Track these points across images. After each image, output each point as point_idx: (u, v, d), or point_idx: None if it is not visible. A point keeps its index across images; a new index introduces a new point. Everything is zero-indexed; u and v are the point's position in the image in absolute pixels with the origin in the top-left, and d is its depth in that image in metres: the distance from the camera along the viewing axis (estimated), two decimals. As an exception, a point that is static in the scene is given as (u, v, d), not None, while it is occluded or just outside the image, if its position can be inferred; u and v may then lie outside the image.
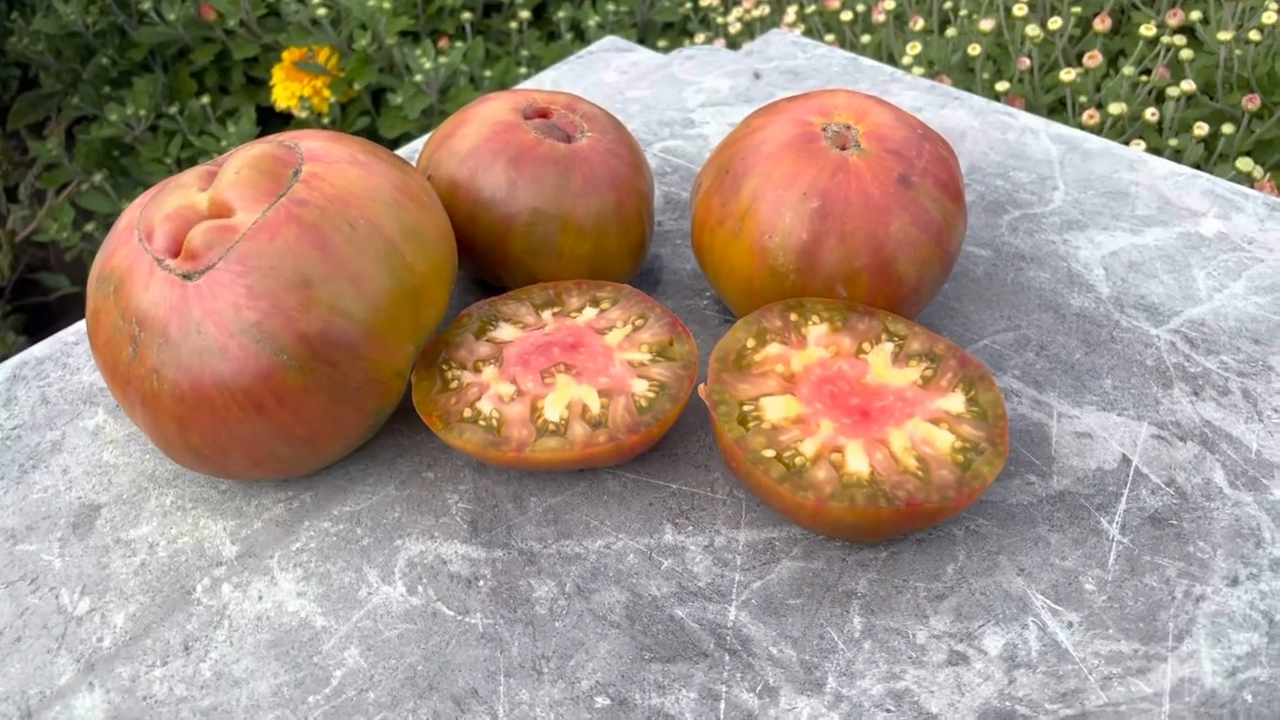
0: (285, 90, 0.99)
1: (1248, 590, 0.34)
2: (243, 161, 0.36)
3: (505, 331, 0.40)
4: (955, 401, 0.36)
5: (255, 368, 0.34)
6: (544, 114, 0.44)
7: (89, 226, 1.09)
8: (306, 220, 0.35)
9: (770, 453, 0.35)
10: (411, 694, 0.32)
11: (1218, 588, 0.34)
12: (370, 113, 1.01)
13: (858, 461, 0.34)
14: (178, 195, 0.36)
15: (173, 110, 1.01)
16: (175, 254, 0.35)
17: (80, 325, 0.47)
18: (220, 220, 0.35)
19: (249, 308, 0.34)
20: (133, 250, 0.35)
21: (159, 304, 0.34)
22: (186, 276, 0.34)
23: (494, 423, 0.37)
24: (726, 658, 0.33)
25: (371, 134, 1.02)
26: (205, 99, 1.02)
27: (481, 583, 0.35)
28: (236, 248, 0.34)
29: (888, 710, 0.32)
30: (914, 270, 0.39)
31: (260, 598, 0.35)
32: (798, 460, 0.34)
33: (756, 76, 0.62)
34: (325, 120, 0.99)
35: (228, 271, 0.34)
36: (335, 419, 0.36)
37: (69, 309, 1.17)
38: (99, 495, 0.39)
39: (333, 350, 0.34)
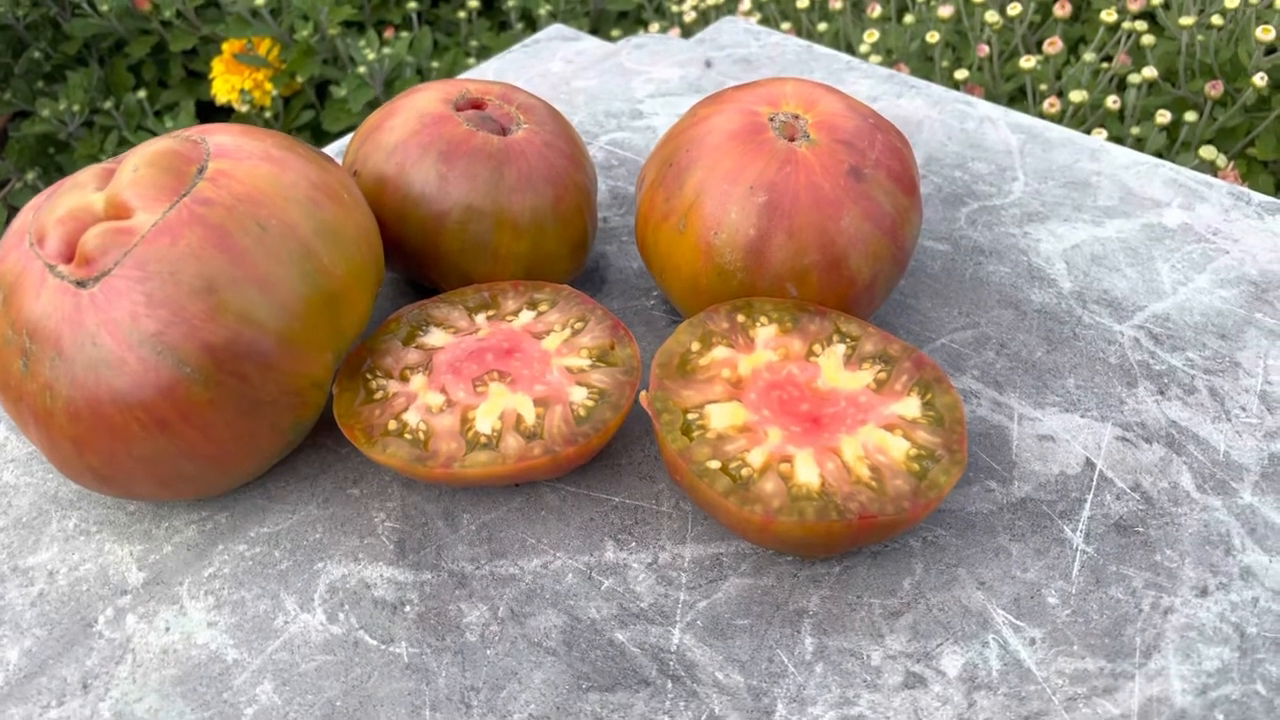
0: (225, 83, 0.95)
1: (1218, 601, 0.33)
2: (142, 158, 0.33)
3: (436, 337, 0.38)
4: (910, 406, 0.34)
5: (156, 382, 0.31)
6: (477, 105, 0.42)
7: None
8: (211, 221, 0.32)
9: (715, 464, 0.32)
10: (329, 733, 0.30)
11: (1186, 599, 0.33)
12: (314, 106, 0.98)
13: (807, 472, 0.32)
14: (72, 195, 0.33)
15: (108, 105, 0.97)
16: (69, 259, 0.32)
17: (-16, 334, 0.43)
18: (117, 222, 0.32)
19: (148, 317, 0.31)
20: (23, 256, 0.33)
21: (51, 314, 0.31)
22: (80, 284, 0.31)
23: (421, 436, 0.34)
24: (670, 685, 0.31)
25: (315, 128, 0.99)
26: (142, 93, 0.98)
27: (408, 608, 0.33)
28: (134, 251, 0.31)
29: (841, 740, 0.30)
30: (867, 267, 0.37)
31: (167, 629, 0.33)
32: (744, 472, 0.32)
33: (708, 65, 0.60)
34: (268, 114, 0.96)
35: (125, 278, 0.31)
36: (247, 435, 0.33)
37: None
38: (-4, 519, 0.36)
39: (241, 362, 0.32)
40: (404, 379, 0.36)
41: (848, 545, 0.32)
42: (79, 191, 0.33)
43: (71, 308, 0.31)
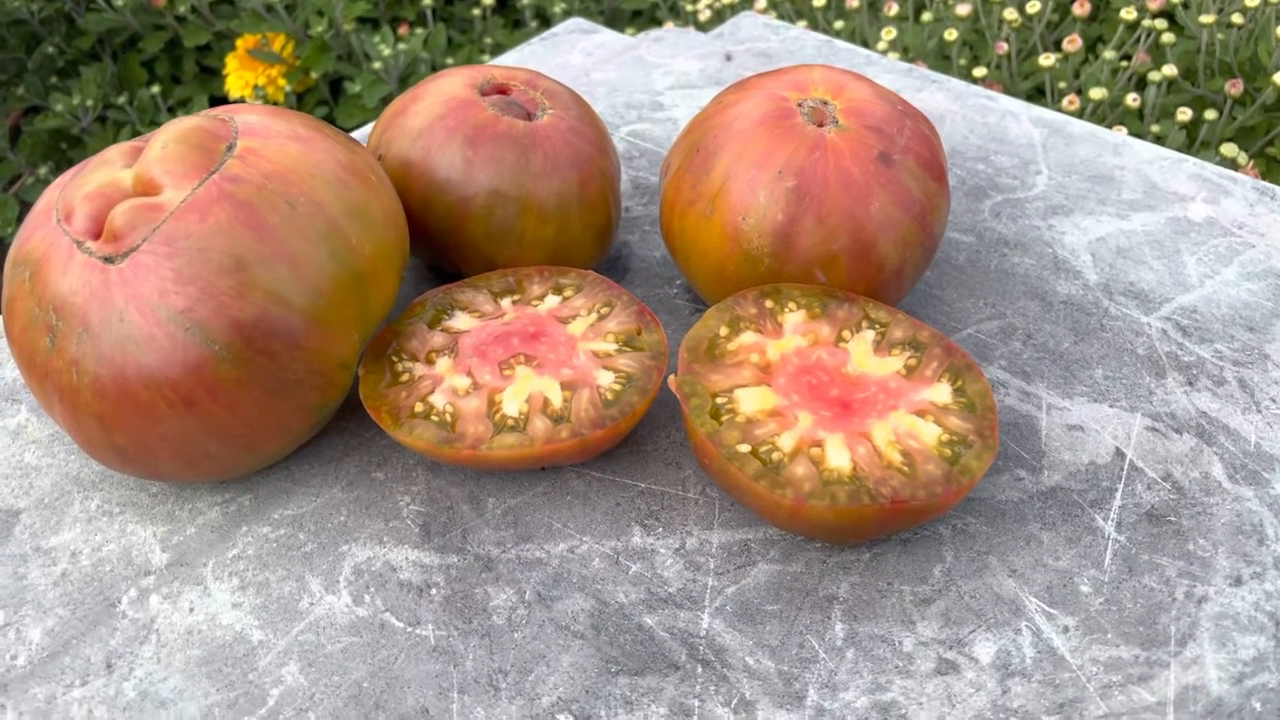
0: (239, 79, 0.95)
1: (1252, 590, 0.32)
2: (171, 135, 0.33)
3: (461, 321, 0.38)
4: (941, 392, 0.34)
5: (184, 359, 0.31)
6: (502, 90, 0.42)
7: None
8: (240, 198, 0.32)
9: (745, 448, 0.32)
10: (356, 713, 0.30)
11: (1220, 588, 0.32)
12: (328, 102, 0.98)
13: (839, 456, 0.32)
14: (100, 172, 0.33)
15: (122, 100, 0.97)
16: (97, 236, 0.32)
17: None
18: (146, 198, 0.32)
19: (177, 293, 0.31)
20: (50, 232, 0.32)
21: (78, 290, 0.31)
22: (108, 260, 0.31)
23: (448, 418, 0.34)
24: (699, 669, 0.31)
25: (329, 124, 0.99)
26: (156, 88, 0.98)
27: (434, 591, 0.33)
28: (163, 228, 0.31)
29: (874, 725, 0.29)
30: (896, 253, 0.37)
31: (191, 610, 0.32)
32: (775, 456, 0.32)
33: (728, 58, 0.60)
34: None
35: (153, 254, 0.31)
36: (273, 415, 0.33)
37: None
38: (18, 500, 0.36)
39: (269, 340, 0.32)
40: (430, 362, 0.36)
41: (879, 531, 0.32)
42: (107, 168, 0.33)
43: (99, 284, 0.31)
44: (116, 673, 0.31)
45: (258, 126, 0.34)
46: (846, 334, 0.36)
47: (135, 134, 1.00)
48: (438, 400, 0.35)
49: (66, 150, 1.05)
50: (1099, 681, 0.30)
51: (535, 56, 0.61)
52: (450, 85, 0.41)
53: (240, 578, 0.33)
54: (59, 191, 0.34)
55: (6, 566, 0.34)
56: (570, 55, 0.61)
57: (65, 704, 0.30)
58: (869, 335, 0.36)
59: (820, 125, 0.37)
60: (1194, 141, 0.67)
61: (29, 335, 0.32)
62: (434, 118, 0.40)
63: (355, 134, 0.56)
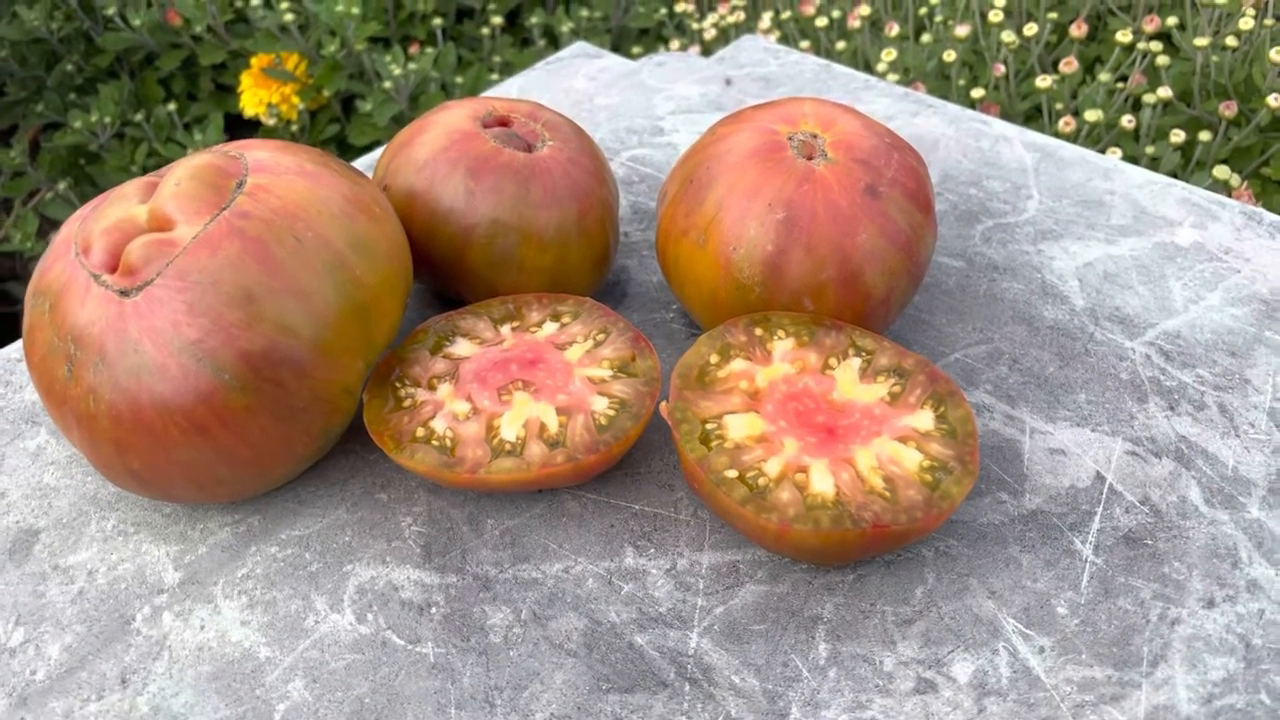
0: (254, 97, 0.97)
1: (1224, 613, 0.33)
2: (184, 172, 0.34)
3: (462, 347, 0.39)
4: (924, 419, 0.35)
5: (196, 388, 0.32)
6: (504, 122, 0.43)
7: (53, 235, 1.07)
8: (250, 233, 0.33)
9: (733, 473, 0.33)
10: (358, 728, 0.31)
11: (1194, 610, 0.33)
12: (340, 120, 1.00)
13: (822, 482, 0.33)
14: (117, 207, 0.35)
15: (139, 117, 0.99)
16: (113, 269, 0.33)
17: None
18: (160, 234, 0.33)
19: (189, 325, 0.32)
20: (69, 265, 0.34)
21: (95, 321, 0.33)
22: (124, 293, 0.33)
23: (448, 443, 0.35)
24: (687, 687, 0.32)
25: (341, 141, 1.00)
26: (172, 106, 1.00)
27: (434, 610, 0.34)
28: (176, 262, 0.32)
29: (853, 742, 0.30)
30: (882, 282, 0.38)
31: (202, 627, 0.34)
32: (761, 481, 0.33)
33: (728, 83, 0.61)
34: (294, 128, 0.98)
35: (166, 287, 0.32)
36: (281, 440, 0.34)
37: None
38: (37, 519, 0.37)
39: (277, 369, 0.33)
40: (431, 387, 0.37)
41: (861, 554, 0.33)
42: (123, 203, 0.35)
43: (115, 315, 0.32)
44: (131, 688, 0.32)
45: (267, 163, 0.36)
46: (833, 361, 0.37)
47: (152, 150, 1.02)
48: (438, 425, 0.36)
49: (85, 166, 1.07)
50: (1072, 701, 0.31)
51: (540, 81, 0.63)
52: (454, 118, 0.42)
53: (249, 596, 0.35)
54: (78, 225, 0.35)
55: (26, 584, 0.35)
56: (574, 80, 0.63)
57: (82, 717, 0.32)
58: (855, 363, 0.37)
59: (810, 158, 0.39)
60: (1189, 163, 0.68)
61: (48, 363, 0.34)
62: (438, 149, 0.41)
63: (364, 158, 0.57)
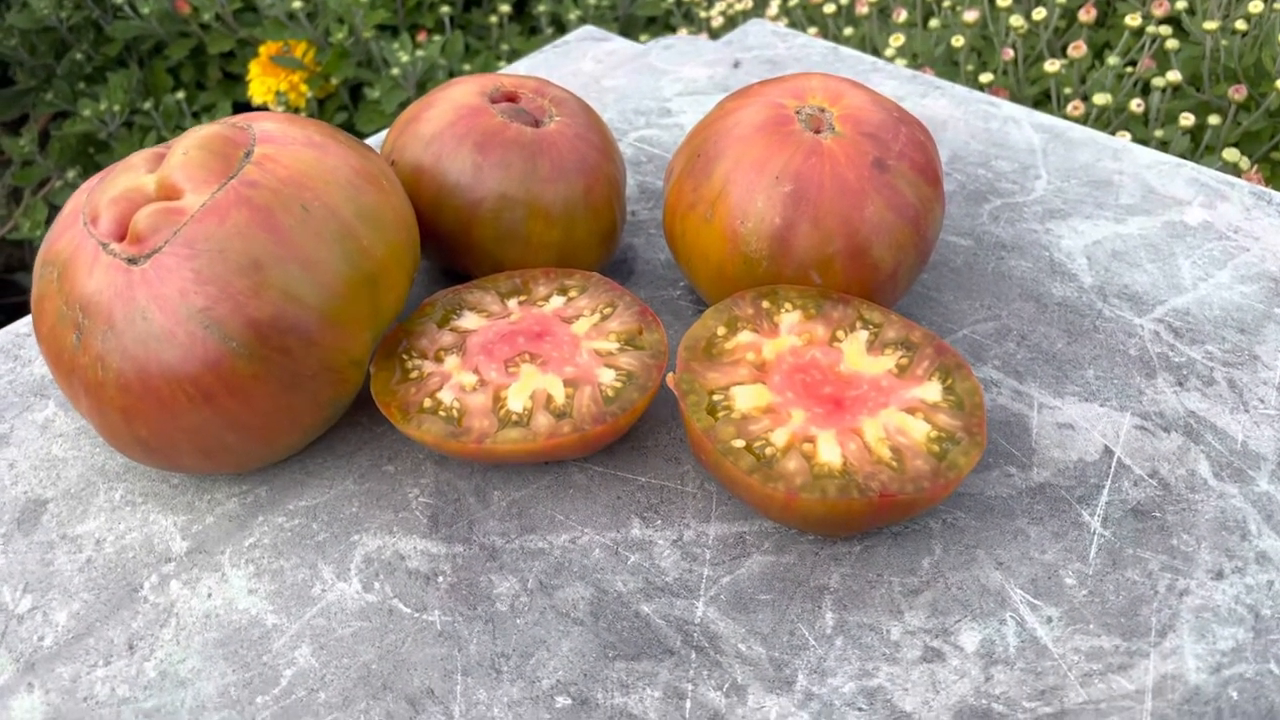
0: (262, 85, 0.97)
1: (1233, 584, 0.33)
2: (192, 142, 0.35)
3: (469, 320, 0.39)
4: (931, 390, 0.35)
5: (203, 355, 0.32)
6: (511, 98, 0.43)
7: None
8: (257, 202, 0.33)
9: (740, 443, 0.33)
10: (364, 694, 0.31)
11: (1202, 581, 0.33)
12: (348, 108, 1.00)
13: (830, 452, 0.33)
14: (125, 177, 0.35)
15: (148, 106, 0.99)
16: (121, 238, 0.33)
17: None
18: (168, 203, 0.33)
19: (196, 293, 0.32)
20: (77, 234, 0.34)
21: (103, 289, 0.33)
22: (132, 261, 0.33)
23: (455, 413, 0.35)
24: (693, 655, 0.32)
25: (349, 129, 1.01)
26: (181, 94, 1.00)
27: (440, 579, 0.34)
28: (184, 230, 0.33)
29: (859, 709, 0.30)
30: (890, 256, 0.38)
31: (209, 595, 0.34)
32: (768, 451, 0.33)
33: (736, 65, 0.61)
34: (302, 116, 0.98)
35: (174, 255, 0.32)
36: (288, 409, 0.34)
37: (44, 308, 1.15)
38: (46, 490, 0.37)
39: (284, 337, 0.33)
40: (438, 359, 0.37)
41: (868, 524, 0.33)
42: (131, 173, 0.35)
43: (123, 284, 0.32)
44: (138, 654, 0.32)
45: (275, 134, 0.36)
46: (841, 334, 0.37)
47: (161, 139, 1.02)
48: (445, 396, 0.36)
49: (94, 154, 1.07)
50: (1080, 670, 0.31)
51: (548, 64, 0.63)
52: (461, 93, 0.42)
53: (256, 565, 0.35)
54: (86, 195, 0.35)
55: (35, 553, 0.35)
56: (581, 62, 0.63)
57: (89, 683, 0.32)
58: (862, 335, 0.37)
59: (817, 132, 0.39)
60: (1198, 147, 0.68)
61: (57, 332, 0.34)
62: (445, 124, 0.41)
63: (371, 139, 0.57)
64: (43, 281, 0.35)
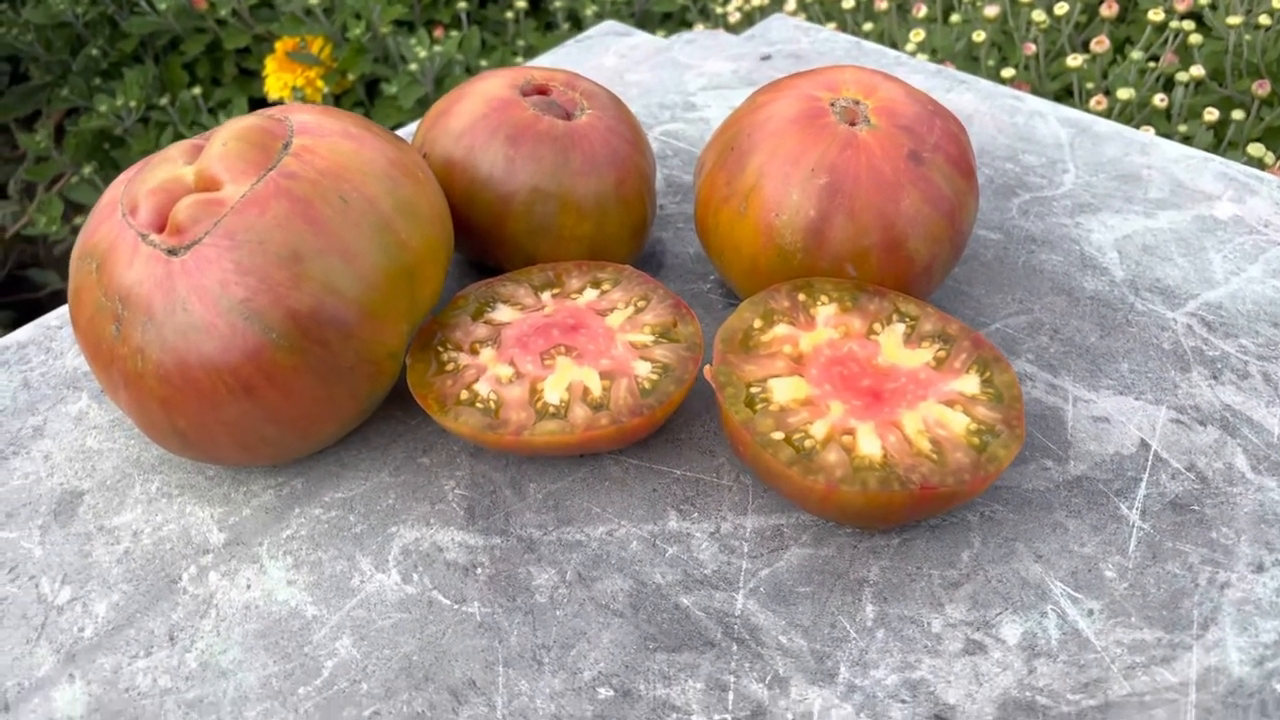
0: (278, 81, 0.97)
1: (1274, 577, 0.33)
2: (230, 134, 0.35)
3: (503, 313, 0.39)
4: (969, 383, 0.35)
5: (243, 346, 0.32)
6: (543, 91, 0.43)
7: (78, 220, 1.07)
8: (297, 194, 0.33)
9: (779, 435, 0.33)
10: (406, 685, 0.31)
11: (1243, 574, 0.33)
12: (364, 103, 1.00)
13: (869, 444, 0.33)
14: (163, 169, 0.35)
15: (164, 101, 0.99)
16: (160, 229, 0.33)
17: (63, 310, 0.45)
18: (207, 194, 0.33)
19: (237, 284, 0.32)
20: (116, 225, 0.34)
21: (143, 281, 0.33)
22: (172, 252, 0.33)
23: (492, 405, 0.35)
24: (734, 647, 0.32)
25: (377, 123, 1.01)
26: (197, 90, 1.00)
27: (479, 570, 0.34)
28: (224, 222, 0.33)
29: (903, 701, 0.30)
30: (925, 249, 0.38)
31: (248, 586, 0.34)
32: (807, 443, 0.33)
33: (766, 59, 0.61)
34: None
35: (214, 246, 0.32)
36: (326, 401, 0.34)
37: (59, 305, 1.15)
38: (81, 482, 0.37)
39: (324, 329, 0.33)
40: (474, 352, 0.37)
41: (907, 516, 0.33)
42: (169, 165, 0.35)
43: (163, 274, 0.32)
44: (179, 645, 0.32)
45: (312, 125, 0.36)
46: (877, 327, 0.37)
47: (177, 135, 1.02)
48: (482, 388, 0.36)
49: (109, 150, 1.07)
50: (1123, 662, 0.31)
51: (570, 58, 0.63)
52: (492, 86, 0.42)
53: (294, 556, 0.35)
54: (123, 187, 0.35)
55: (72, 544, 0.35)
56: (604, 57, 0.63)
57: (131, 673, 0.32)
58: (899, 328, 0.37)
59: (852, 124, 0.38)
60: (1221, 142, 0.68)
61: (95, 323, 0.34)
62: (477, 117, 0.41)
63: (400, 130, 0.57)
64: (81, 273, 0.35)
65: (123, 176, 0.37)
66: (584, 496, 0.36)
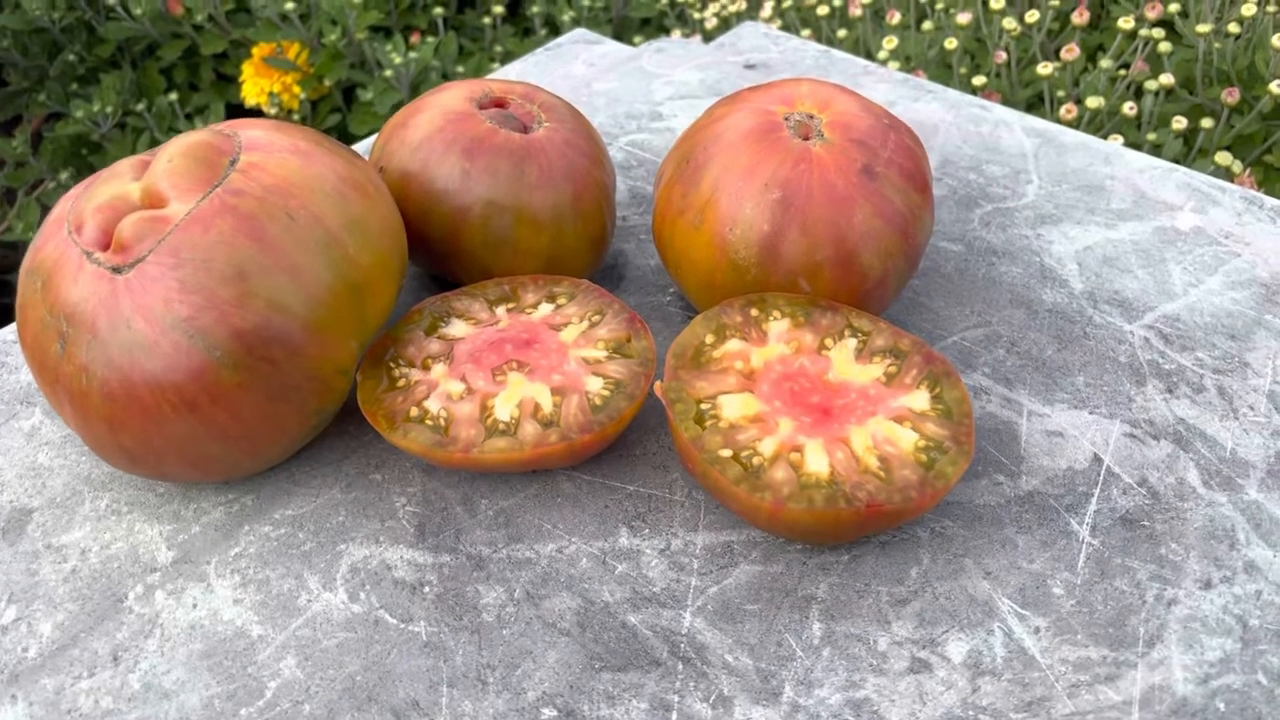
0: (255, 86, 0.97)
1: (1221, 594, 0.33)
2: (177, 150, 0.34)
3: (457, 328, 0.39)
4: (919, 399, 0.35)
5: (188, 365, 0.32)
6: (500, 104, 0.43)
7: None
8: (242, 211, 0.33)
9: (727, 452, 0.33)
10: (349, 706, 0.31)
11: (1190, 591, 0.33)
12: (341, 109, 1.00)
13: (817, 461, 0.33)
14: (110, 185, 0.35)
15: (140, 107, 0.99)
16: (106, 247, 0.33)
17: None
18: (153, 211, 0.33)
19: (181, 302, 0.32)
20: (61, 243, 0.34)
21: (88, 298, 0.33)
22: (116, 270, 0.32)
23: (441, 422, 0.35)
24: (680, 666, 0.32)
25: (342, 130, 1.00)
26: (174, 96, 1.00)
27: (427, 589, 0.34)
28: (168, 239, 0.32)
29: (846, 721, 0.30)
30: (878, 263, 0.38)
31: (195, 605, 0.34)
32: (755, 460, 0.33)
33: (750, 67, 0.61)
34: (296, 117, 0.98)
35: (159, 264, 0.32)
36: (273, 418, 0.34)
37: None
38: (31, 499, 0.37)
39: (269, 347, 0.33)
40: (426, 368, 0.37)
41: (855, 533, 0.33)
42: (116, 181, 0.35)
43: (108, 293, 0.32)
44: (122, 665, 0.32)
45: (261, 141, 0.35)
46: (829, 342, 0.37)
47: (154, 140, 1.02)
48: (432, 405, 0.36)
49: (87, 156, 1.07)
50: (1067, 681, 0.31)
51: (539, 67, 0.63)
52: (449, 99, 0.42)
53: (242, 575, 0.34)
54: (71, 203, 0.35)
55: (20, 563, 0.35)
56: (573, 66, 0.62)
57: (73, 694, 0.32)
58: (851, 343, 0.37)
59: (806, 139, 0.38)
60: (1191, 150, 0.68)
61: (41, 341, 0.34)
62: (433, 130, 0.41)
63: (365, 141, 0.57)
64: (27, 290, 0.34)
65: (73, 192, 0.36)
66: (535, 513, 0.36)
